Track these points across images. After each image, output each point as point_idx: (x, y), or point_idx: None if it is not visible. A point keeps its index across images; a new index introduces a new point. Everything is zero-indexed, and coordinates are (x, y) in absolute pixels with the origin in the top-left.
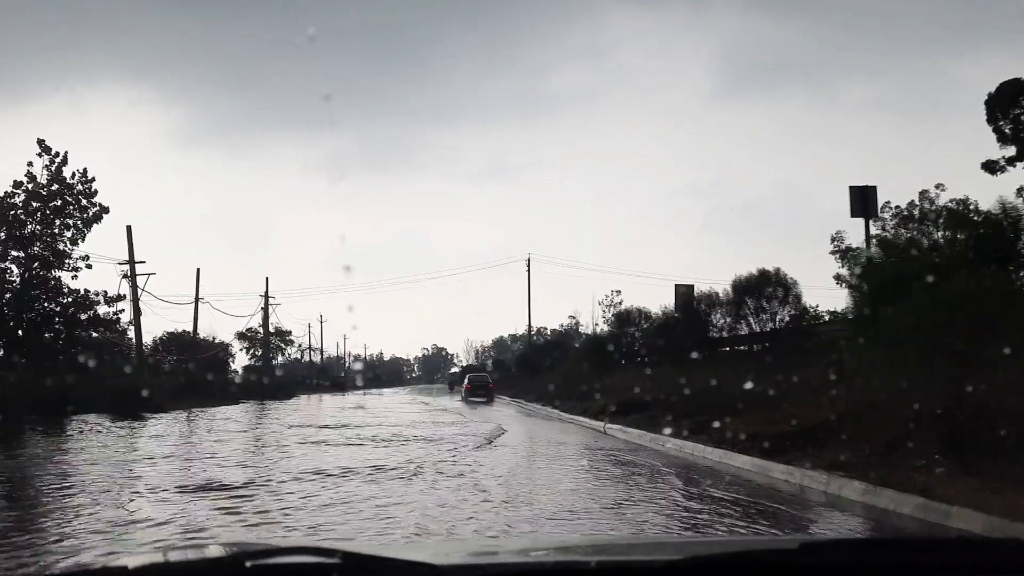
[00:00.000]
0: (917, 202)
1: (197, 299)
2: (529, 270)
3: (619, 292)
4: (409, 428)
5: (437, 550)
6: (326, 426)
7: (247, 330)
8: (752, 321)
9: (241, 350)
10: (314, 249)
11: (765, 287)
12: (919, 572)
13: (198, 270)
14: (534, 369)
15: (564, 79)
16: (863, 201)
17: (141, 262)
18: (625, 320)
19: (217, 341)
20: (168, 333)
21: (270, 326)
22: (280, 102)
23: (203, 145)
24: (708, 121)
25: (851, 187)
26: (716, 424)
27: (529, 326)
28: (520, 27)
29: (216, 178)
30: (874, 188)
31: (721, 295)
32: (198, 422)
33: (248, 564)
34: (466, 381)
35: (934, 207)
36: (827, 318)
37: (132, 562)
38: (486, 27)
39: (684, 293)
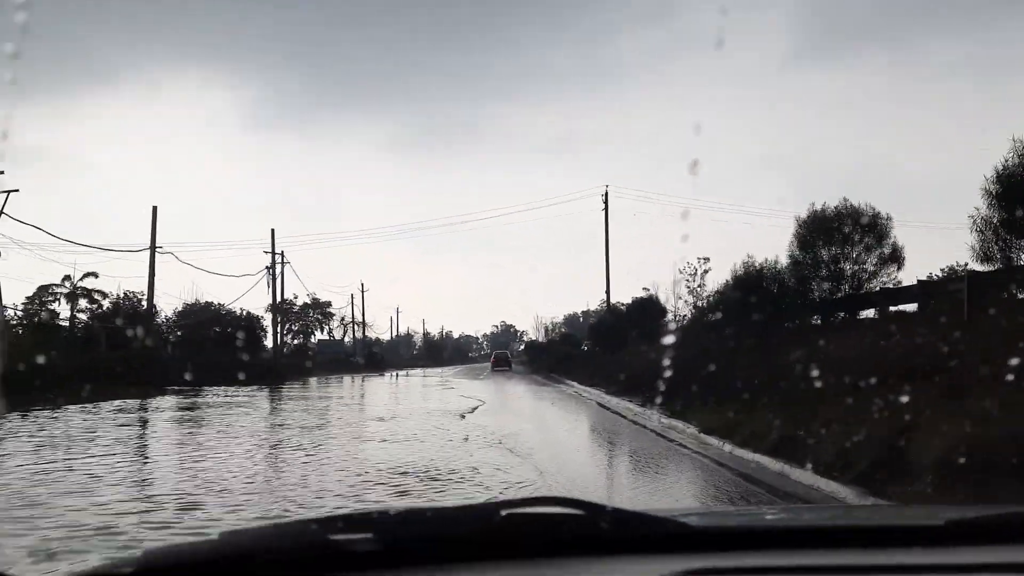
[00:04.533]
0: None
1: (153, 247)
2: (607, 206)
3: (707, 259)
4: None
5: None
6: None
7: (283, 301)
8: None
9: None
10: (381, 225)
11: None
12: None
13: (154, 208)
14: (615, 343)
15: (631, 44)
16: None
17: None
18: (817, 232)
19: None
20: (188, 304)
21: (308, 297)
22: (345, 80)
23: (272, 124)
24: (785, 85)
25: None
26: None
27: (608, 280)
28: None
29: (285, 156)
30: None
31: None
32: None
33: (503, 513)
34: (492, 357)
35: None
36: None
37: (394, 507)
38: None
39: None
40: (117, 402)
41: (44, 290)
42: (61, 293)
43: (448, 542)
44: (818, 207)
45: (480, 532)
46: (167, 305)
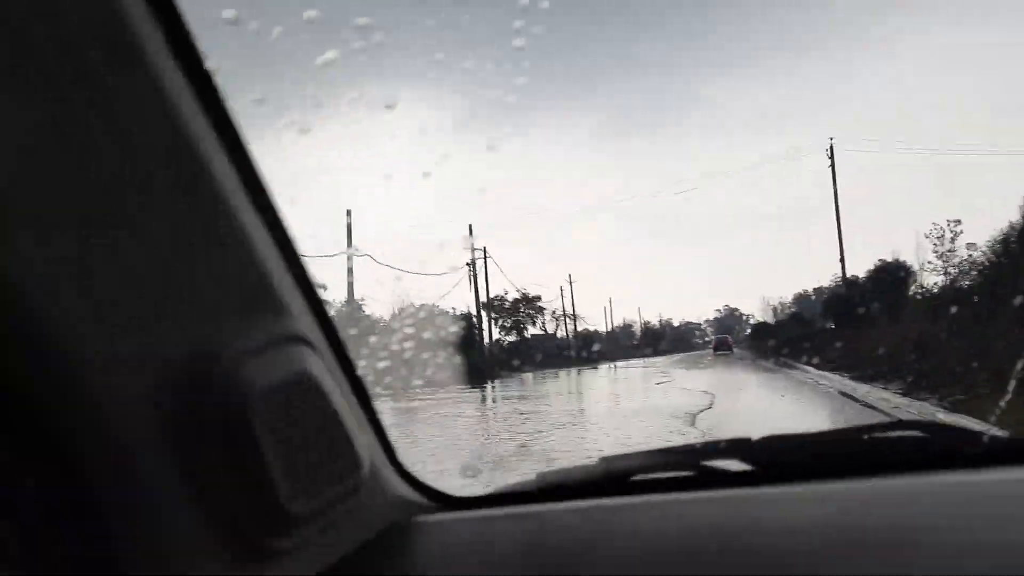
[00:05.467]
0: None
1: (350, 250)
2: (833, 162)
3: (958, 222)
4: None
5: None
6: None
7: (496, 298)
8: None
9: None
10: (587, 206)
11: None
12: None
13: (348, 211)
14: (854, 319)
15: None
16: None
17: None
18: None
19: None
20: (398, 308)
21: (517, 293)
22: (556, 74)
23: (474, 126)
24: None
25: None
26: None
27: (841, 247)
28: None
29: (492, 156)
30: None
31: None
32: None
33: (864, 437)
34: (713, 342)
35: None
36: None
37: (755, 434)
38: None
39: None
40: None
41: None
42: None
43: (815, 461)
44: None
45: (846, 454)
46: (381, 310)
